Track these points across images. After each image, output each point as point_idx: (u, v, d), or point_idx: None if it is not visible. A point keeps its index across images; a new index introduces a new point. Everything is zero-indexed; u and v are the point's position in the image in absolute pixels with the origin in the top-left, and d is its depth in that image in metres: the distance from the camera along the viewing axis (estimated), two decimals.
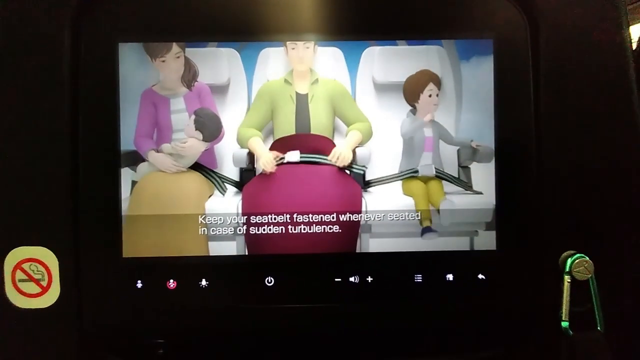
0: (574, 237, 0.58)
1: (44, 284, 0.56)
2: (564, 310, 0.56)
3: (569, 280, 0.56)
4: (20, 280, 0.56)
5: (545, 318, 0.58)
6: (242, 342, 0.60)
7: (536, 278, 0.58)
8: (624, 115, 0.58)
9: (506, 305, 0.59)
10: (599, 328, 0.56)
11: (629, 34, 0.59)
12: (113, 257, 0.57)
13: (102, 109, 0.57)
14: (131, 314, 0.57)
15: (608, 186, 0.58)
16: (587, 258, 0.56)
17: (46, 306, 0.56)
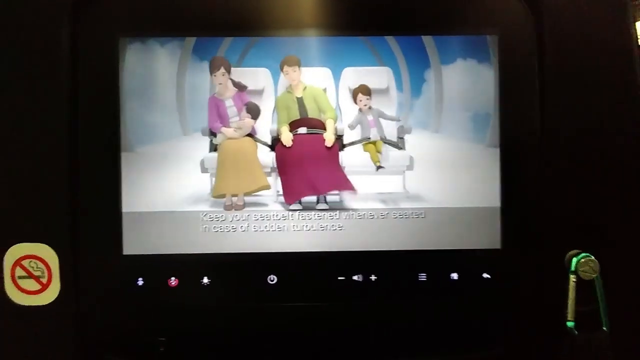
0: (579, 236, 0.57)
1: (44, 280, 0.55)
2: (569, 310, 0.55)
3: (575, 280, 0.56)
4: (19, 277, 0.56)
5: (549, 317, 0.57)
6: (243, 340, 0.59)
7: (541, 277, 0.58)
8: (630, 112, 0.57)
9: (510, 304, 0.58)
10: (604, 328, 0.56)
11: (635, 30, 0.58)
12: (113, 254, 0.56)
13: (102, 105, 0.57)
14: (132, 311, 0.57)
15: (614, 185, 0.57)
16: (593, 257, 0.55)
17: (46, 303, 0.56)
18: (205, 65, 0.58)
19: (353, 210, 0.58)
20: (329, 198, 0.59)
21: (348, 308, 0.58)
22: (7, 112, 0.56)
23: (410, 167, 0.59)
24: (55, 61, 0.56)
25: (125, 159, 0.57)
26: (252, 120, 0.60)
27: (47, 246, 0.55)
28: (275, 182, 0.60)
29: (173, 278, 0.57)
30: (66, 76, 0.56)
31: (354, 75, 0.60)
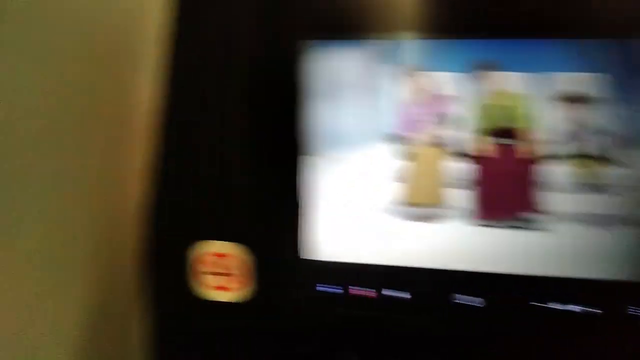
0: None
1: (233, 279, 0.57)
2: None
3: None
4: (206, 273, 0.57)
5: None
6: (415, 355, 0.56)
7: None
8: None
9: None
10: None
11: None
12: (294, 258, 0.56)
13: (287, 109, 0.57)
14: (311, 317, 0.56)
15: None
16: None
17: (231, 301, 0.57)
18: (393, 69, 0.56)
19: (553, 231, 0.53)
20: (524, 215, 0.55)
21: (541, 336, 0.53)
22: (196, 116, 0.58)
23: (624, 186, 0.53)
24: (239, 66, 0.57)
25: (309, 163, 0.56)
26: (442, 129, 0.57)
27: (233, 244, 0.57)
28: (463, 196, 0.56)
29: (352, 287, 0.56)
30: (251, 79, 0.57)
31: (559, 82, 0.54)
